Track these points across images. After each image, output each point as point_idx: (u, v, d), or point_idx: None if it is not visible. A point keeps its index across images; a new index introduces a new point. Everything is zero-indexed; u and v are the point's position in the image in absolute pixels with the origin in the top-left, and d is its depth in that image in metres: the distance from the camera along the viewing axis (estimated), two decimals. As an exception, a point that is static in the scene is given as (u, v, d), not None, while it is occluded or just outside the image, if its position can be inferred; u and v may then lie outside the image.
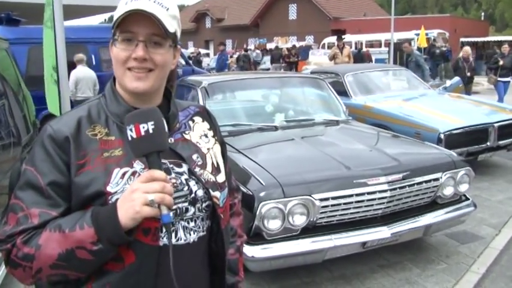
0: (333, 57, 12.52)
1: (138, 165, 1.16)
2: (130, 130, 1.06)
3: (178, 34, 1.23)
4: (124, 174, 1.15)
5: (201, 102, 4.53)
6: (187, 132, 1.32)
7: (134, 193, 1.05)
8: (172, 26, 1.18)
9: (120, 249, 1.10)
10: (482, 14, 51.26)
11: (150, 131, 1.06)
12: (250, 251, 3.09)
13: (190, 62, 13.47)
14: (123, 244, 1.09)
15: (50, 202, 1.13)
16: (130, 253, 1.12)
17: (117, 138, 1.19)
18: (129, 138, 1.07)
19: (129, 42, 1.15)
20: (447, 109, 6.54)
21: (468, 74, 11.10)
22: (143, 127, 1.05)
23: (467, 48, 11.59)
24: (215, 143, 1.39)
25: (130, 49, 1.15)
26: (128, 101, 1.23)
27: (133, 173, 1.16)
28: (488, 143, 6.13)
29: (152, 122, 1.06)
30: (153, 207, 1.04)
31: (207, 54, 34.64)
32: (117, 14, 1.15)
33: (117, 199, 1.10)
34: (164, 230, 1.14)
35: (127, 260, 1.13)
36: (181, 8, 74.99)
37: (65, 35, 3.78)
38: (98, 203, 1.13)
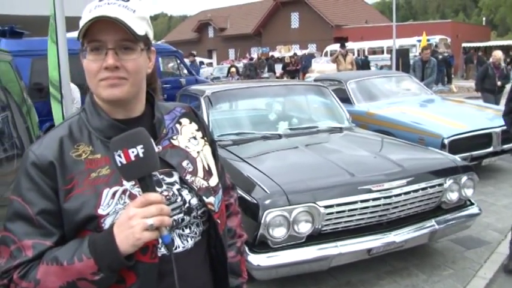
0: (335, 59, 12.69)
1: (128, 183, 1.13)
2: (119, 156, 1.01)
3: (151, 36, 1.19)
4: (114, 193, 1.11)
5: (205, 112, 4.55)
6: (175, 137, 1.27)
7: (132, 220, 1.01)
8: (142, 28, 1.13)
9: (121, 271, 1.08)
10: (484, 19, 51.20)
11: (141, 155, 1.01)
12: (255, 259, 3.09)
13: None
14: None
15: (42, 232, 1.09)
16: (131, 274, 1.10)
17: (103, 156, 1.14)
18: (119, 164, 1.02)
19: (98, 51, 1.10)
20: (450, 114, 6.55)
21: (498, 83, 9.36)
22: (132, 152, 1.01)
23: (496, 53, 9.77)
24: (205, 144, 1.34)
25: (100, 59, 1.10)
26: (109, 112, 1.18)
27: (124, 191, 1.12)
28: (492, 148, 6.12)
29: (141, 146, 1.02)
30: (152, 231, 1.02)
31: (210, 64, 35.04)
32: (81, 23, 1.09)
33: (112, 224, 1.06)
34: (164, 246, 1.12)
35: (128, 281, 1.11)
36: (183, 18, 75.55)
37: (68, 47, 3.74)
38: (91, 226, 1.09)
